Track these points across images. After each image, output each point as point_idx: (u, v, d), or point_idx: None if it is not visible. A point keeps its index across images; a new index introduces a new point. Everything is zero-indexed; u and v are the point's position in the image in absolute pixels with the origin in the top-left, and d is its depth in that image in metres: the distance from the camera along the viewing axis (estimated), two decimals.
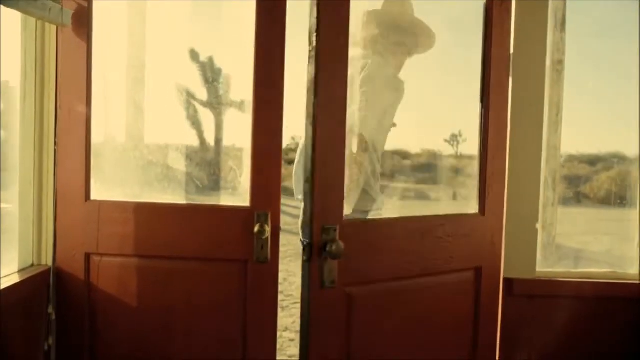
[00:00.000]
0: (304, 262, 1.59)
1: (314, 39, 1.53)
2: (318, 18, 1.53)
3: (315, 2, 1.52)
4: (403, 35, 2.14)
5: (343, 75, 1.60)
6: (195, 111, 1.92)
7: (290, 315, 4.65)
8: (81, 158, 1.80)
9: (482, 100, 1.80)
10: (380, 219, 1.87)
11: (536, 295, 1.86)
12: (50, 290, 1.81)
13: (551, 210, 2.44)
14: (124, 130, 1.95)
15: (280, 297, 5.03)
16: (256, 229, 1.72)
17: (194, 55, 1.93)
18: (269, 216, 1.74)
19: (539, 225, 1.85)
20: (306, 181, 1.59)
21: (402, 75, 2.21)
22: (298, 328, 3.37)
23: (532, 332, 1.85)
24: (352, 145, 1.99)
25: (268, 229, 1.74)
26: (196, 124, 1.93)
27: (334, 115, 1.61)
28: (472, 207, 1.86)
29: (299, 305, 1.98)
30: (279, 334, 4.14)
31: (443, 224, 1.77)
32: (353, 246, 1.58)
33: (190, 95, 1.93)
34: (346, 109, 1.62)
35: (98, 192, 1.83)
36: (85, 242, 1.80)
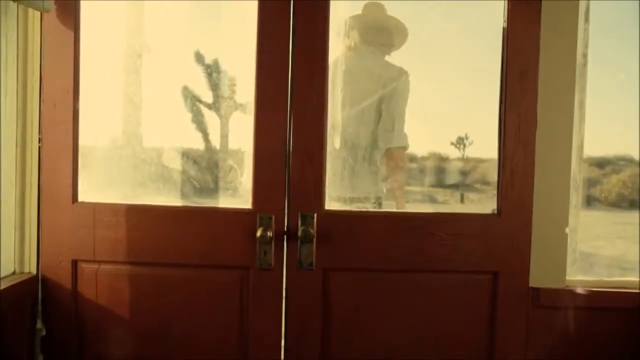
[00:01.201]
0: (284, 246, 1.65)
1: None
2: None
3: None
4: (381, 35, 2.31)
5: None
6: (194, 106, 1.78)
7: None
8: (68, 156, 1.66)
9: (501, 90, 1.64)
10: (364, 211, 1.86)
11: (566, 307, 1.69)
12: (39, 302, 1.66)
13: (574, 213, 2.27)
14: (115, 126, 1.80)
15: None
16: (258, 233, 1.59)
17: (199, 57, 1.81)
18: (273, 219, 1.60)
19: (568, 229, 1.69)
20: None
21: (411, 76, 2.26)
22: None
23: (561, 347, 1.69)
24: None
25: (271, 233, 1.59)
26: (196, 121, 1.78)
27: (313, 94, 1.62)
28: (487, 209, 1.73)
29: None
30: None
31: (442, 222, 1.66)
32: (334, 235, 1.65)
33: (190, 93, 1.79)
34: (326, 89, 1.62)
35: (86, 194, 1.69)
36: (72, 247, 1.67)
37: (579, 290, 1.68)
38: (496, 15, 1.69)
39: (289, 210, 1.63)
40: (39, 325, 1.67)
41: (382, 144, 2.32)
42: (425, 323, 1.69)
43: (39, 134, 1.66)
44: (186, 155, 1.79)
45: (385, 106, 2.32)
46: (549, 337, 1.70)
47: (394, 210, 2.11)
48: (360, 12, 2.38)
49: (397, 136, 2.33)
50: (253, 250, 1.62)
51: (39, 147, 1.66)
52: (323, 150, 1.63)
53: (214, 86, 1.79)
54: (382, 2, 2.40)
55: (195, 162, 1.80)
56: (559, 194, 1.70)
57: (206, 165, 1.80)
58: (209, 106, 1.80)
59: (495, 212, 1.67)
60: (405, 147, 2.37)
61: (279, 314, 1.64)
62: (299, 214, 1.61)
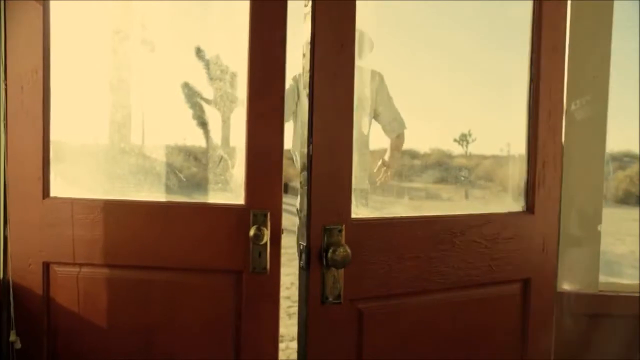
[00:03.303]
0: (300, 271, 1.28)
1: None
2: None
3: None
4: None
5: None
6: (194, 101, 1.60)
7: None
8: (37, 145, 1.49)
9: (532, 67, 1.43)
10: (398, 218, 1.44)
11: (600, 314, 1.50)
12: (11, 310, 1.48)
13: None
14: (91, 111, 1.61)
15: (287, 303, 4.73)
16: (252, 232, 1.40)
17: (199, 51, 1.64)
18: (268, 216, 1.41)
19: (601, 227, 1.50)
20: (302, 169, 1.27)
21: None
22: None
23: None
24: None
25: (267, 232, 1.40)
26: (197, 117, 1.60)
27: (339, 88, 1.27)
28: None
29: None
30: (285, 344, 3.84)
31: (480, 224, 1.42)
32: (364, 252, 1.27)
33: (190, 89, 1.61)
34: (354, 82, 1.30)
35: (59, 188, 1.53)
36: (43, 248, 1.51)
37: (614, 294, 1.49)
38: (501, 6, 1.51)
39: (309, 222, 1.24)
40: (12, 337, 1.48)
41: (390, 133, 2.73)
42: (460, 345, 1.46)
43: (4, 120, 1.49)
44: (184, 151, 1.60)
45: (380, 106, 2.73)
46: (579, 349, 1.52)
47: (432, 214, 1.73)
48: None
49: (399, 122, 2.74)
50: (246, 252, 1.43)
51: (4, 136, 1.49)
52: (350, 146, 1.29)
53: (214, 81, 1.60)
54: None
55: (180, 151, 1.61)
56: (590, 186, 1.52)
57: (191, 154, 1.61)
58: (208, 102, 1.62)
59: (525, 209, 1.46)
60: (405, 129, 2.78)
61: (275, 325, 1.45)
62: (322, 227, 1.23)
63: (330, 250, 1.20)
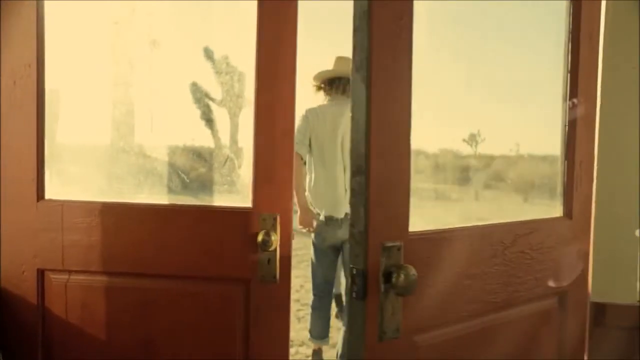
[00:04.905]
0: (351, 300, 1.03)
1: None
2: None
3: None
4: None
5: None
6: (202, 102, 1.51)
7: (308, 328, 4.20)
8: (31, 144, 1.40)
9: (572, 55, 1.30)
10: (454, 229, 1.20)
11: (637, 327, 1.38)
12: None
13: None
14: (89, 107, 1.52)
15: (296, 306, 4.61)
16: (260, 237, 1.30)
17: (207, 51, 1.56)
18: (278, 220, 1.30)
19: (638, 232, 1.38)
20: (357, 172, 1.03)
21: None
22: None
23: None
24: None
25: (276, 237, 1.30)
26: (205, 118, 1.52)
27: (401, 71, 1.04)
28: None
29: None
30: (295, 349, 3.73)
31: (527, 233, 1.25)
32: (421, 273, 1.03)
33: (197, 88, 1.53)
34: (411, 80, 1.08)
35: (55, 189, 1.44)
36: (37, 254, 1.42)
37: None
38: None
39: (367, 240, 0.99)
40: None
41: None
42: None
43: None
44: (191, 152, 1.51)
45: None
46: None
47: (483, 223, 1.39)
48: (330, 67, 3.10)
49: None
50: (254, 259, 1.33)
51: None
52: (409, 142, 1.07)
53: (223, 82, 1.51)
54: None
55: (203, 158, 1.51)
56: (625, 188, 1.40)
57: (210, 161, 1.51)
58: (217, 102, 1.54)
59: (564, 214, 1.32)
60: None
61: (285, 338, 1.35)
62: (381, 245, 1.00)
63: (395, 275, 0.98)
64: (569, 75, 1.26)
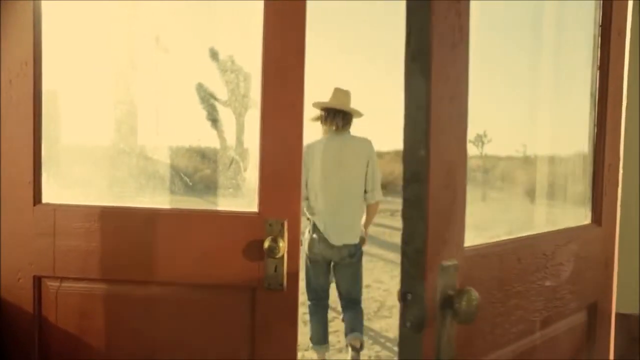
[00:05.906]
0: (403, 328, 0.85)
1: None
2: None
3: None
4: (346, 117, 3.15)
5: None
6: (207, 103, 1.45)
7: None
8: (28, 145, 1.34)
9: (602, 53, 1.22)
10: (503, 242, 1.06)
11: None
12: None
13: None
14: (87, 108, 1.46)
15: (301, 309, 4.49)
16: (267, 244, 1.23)
17: (213, 52, 1.51)
18: (285, 226, 1.24)
19: None
20: (412, 179, 0.86)
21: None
22: None
23: None
24: None
25: (284, 243, 1.23)
26: (211, 119, 1.46)
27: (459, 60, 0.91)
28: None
29: None
30: (300, 354, 3.65)
31: (564, 243, 1.15)
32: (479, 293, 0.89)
33: (203, 90, 1.48)
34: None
35: (52, 193, 1.39)
36: (34, 260, 1.36)
37: None
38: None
39: (425, 260, 0.83)
40: None
41: (370, 200, 3.14)
42: None
43: None
44: (196, 153, 1.45)
45: (370, 169, 3.10)
46: None
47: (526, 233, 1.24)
48: (327, 99, 3.11)
49: (378, 191, 3.15)
50: (260, 266, 1.27)
51: None
52: (466, 152, 0.95)
53: (228, 80, 1.46)
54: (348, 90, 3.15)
55: (208, 160, 1.45)
56: None
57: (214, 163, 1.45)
58: (223, 102, 1.48)
59: (592, 221, 1.23)
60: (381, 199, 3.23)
61: (293, 348, 1.28)
62: (440, 266, 0.85)
63: (457, 300, 0.83)
64: (598, 72, 1.18)
